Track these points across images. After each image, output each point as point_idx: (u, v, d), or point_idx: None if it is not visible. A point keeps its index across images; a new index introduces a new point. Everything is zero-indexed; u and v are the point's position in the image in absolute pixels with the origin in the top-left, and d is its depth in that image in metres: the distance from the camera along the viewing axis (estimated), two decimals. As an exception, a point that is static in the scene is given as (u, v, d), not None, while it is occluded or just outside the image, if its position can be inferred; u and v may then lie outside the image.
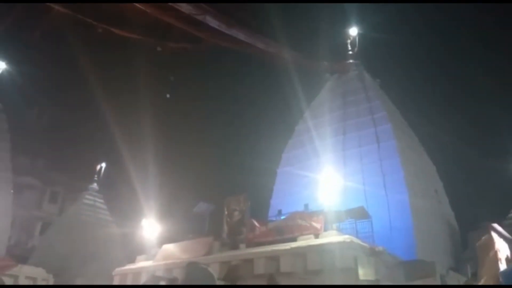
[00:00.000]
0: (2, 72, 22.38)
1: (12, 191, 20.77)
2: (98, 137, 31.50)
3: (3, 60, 22.31)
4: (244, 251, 11.70)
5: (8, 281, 14.59)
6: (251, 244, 11.96)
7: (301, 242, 10.58)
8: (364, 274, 9.51)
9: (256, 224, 12.60)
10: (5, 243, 19.68)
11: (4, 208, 19.65)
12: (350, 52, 21.67)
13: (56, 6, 16.42)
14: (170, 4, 16.28)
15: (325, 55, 21.72)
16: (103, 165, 26.34)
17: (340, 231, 11.13)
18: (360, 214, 13.03)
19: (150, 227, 15.27)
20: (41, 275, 16.68)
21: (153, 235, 15.17)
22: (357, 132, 17.70)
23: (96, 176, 26.03)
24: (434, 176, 18.52)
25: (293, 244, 10.60)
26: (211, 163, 33.13)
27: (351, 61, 21.39)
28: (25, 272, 15.97)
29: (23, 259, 19.12)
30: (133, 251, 16.91)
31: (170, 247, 13.92)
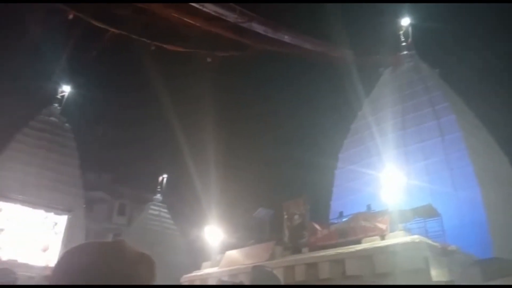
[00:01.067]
0: (68, 95, 24.17)
1: (84, 205, 22.26)
2: (159, 150, 32.96)
3: (67, 84, 24.10)
4: (308, 255, 11.54)
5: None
6: (314, 247, 11.78)
7: (367, 244, 10.22)
8: (437, 275, 8.99)
9: (318, 227, 12.40)
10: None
11: (79, 222, 21.10)
12: (404, 43, 20.74)
13: (111, 28, 17.44)
14: (217, 15, 16.63)
15: (377, 49, 20.99)
16: (165, 176, 27.44)
17: (408, 231, 10.61)
18: (428, 212, 12.32)
19: (212, 234, 15.59)
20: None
21: (216, 241, 15.48)
22: (418, 126, 16.82)
23: (159, 187, 27.20)
24: (507, 168, 17.10)
25: (359, 247, 10.27)
26: (268, 168, 33.28)
27: (405, 52, 20.46)
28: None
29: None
30: (197, 257, 17.38)
31: (233, 253, 14.11)
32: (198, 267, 15.69)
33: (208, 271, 14.46)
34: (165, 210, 26.53)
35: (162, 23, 17.41)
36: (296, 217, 13.09)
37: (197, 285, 14.16)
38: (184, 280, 15.15)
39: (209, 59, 20.26)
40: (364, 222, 11.00)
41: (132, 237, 24.26)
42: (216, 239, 15.50)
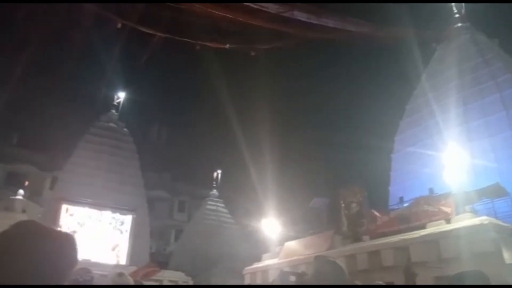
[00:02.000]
0: (124, 101, 25.37)
1: (147, 204, 23.36)
2: (214, 146, 33.64)
3: (122, 90, 25.29)
4: (369, 243, 11.27)
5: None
6: (375, 235, 11.47)
7: (432, 229, 9.77)
8: (509, 257, 8.42)
9: (377, 214, 12.05)
10: (147, 251, 22.19)
11: (143, 221, 22.18)
12: (457, 15, 19.40)
13: (157, 33, 18.01)
14: (257, 7, 16.57)
15: (427, 23, 19.82)
16: (219, 172, 28.06)
17: (475, 213, 10.00)
18: (496, 191, 11.50)
19: (270, 226, 15.70)
20: (181, 278, 18.38)
21: (274, 233, 15.57)
22: (479, 100, 15.72)
23: (214, 182, 27.87)
24: None
25: (423, 232, 9.85)
26: (322, 157, 32.80)
27: (459, 25, 19.14)
28: (168, 276, 17.77)
29: (164, 264, 21.34)
30: (256, 249, 17.61)
31: (292, 244, 14.12)
32: (257, 259, 15.89)
33: (269, 263, 14.60)
34: (222, 205, 27.16)
35: (203, 22, 17.69)
36: (353, 205, 12.82)
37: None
38: (246, 272, 15.43)
39: (252, 53, 20.29)
40: (427, 206, 10.52)
41: (192, 232, 25.14)
42: (274, 230, 15.60)
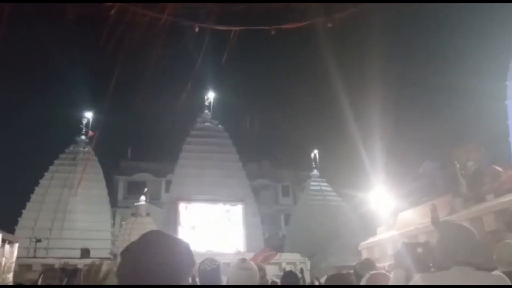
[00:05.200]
0: (213, 101, 26.59)
1: (252, 194, 24.34)
2: (308, 127, 33.45)
3: (211, 90, 26.49)
4: (495, 202, 10.21)
5: (273, 269, 16.84)
6: (500, 192, 10.34)
7: None
8: None
9: (500, 169, 10.84)
10: (261, 237, 23.16)
11: (251, 209, 23.19)
12: None
13: (233, 28, 18.36)
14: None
15: None
16: (316, 151, 27.89)
17: None
18: None
19: (379, 198, 15.18)
20: (298, 259, 18.82)
21: (384, 205, 15.02)
22: None
23: (313, 163, 27.81)
24: None
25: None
26: (428, 115, 30.37)
27: None
28: (285, 259, 18.32)
29: (279, 248, 22.07)
30: (369, 223, 17.17)
31: (407, 214, 13.47)
32: (371, 233, 15.50)
33: (385, 236, 14.14)
34: (325, 184, 27.01)
35: (273, 6, 17.51)
36: (469, 164, 11.70)
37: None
38: (362, 247, 15.17)
39: (329, 25, 19.50)
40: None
41: (300, 215, 25.49)
42: (384, 202, 15.05)
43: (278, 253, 17.94)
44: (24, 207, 22.19)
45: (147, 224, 19.92)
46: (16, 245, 13.81)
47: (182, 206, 22.58)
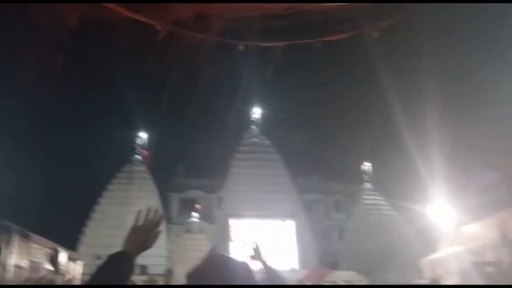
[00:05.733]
0: (260, 116, 26.77)
1: (303, 208, 23.94)
2: (357, 140, 32.51)
3: (257, 106, 26.72)
4: None
5: None
6: None
7: None
8: None
9: None
10: (314, 253, 22.60)
11: (303, 224, 22.77)
12: None
13: (275, 43, 18.42)
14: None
15: None
16: (368, 164, 27.04)
17: None
18: None
19: (439, 210, 14.32)
20: (355, 278, 18.09)
21: (445, 218, 14.13)
22: None
23: (365, 176, 26.95)
24: None
25: None
26: (489, 125, 28.32)
27: None
28: (341, 277, 17.67)
29: (332, 265, 21.38)
30: (428, 238, 16.20)
31: (471, 228, 12.54)
32: (432, 249, 14.59)
33: (448, 252, 13.24)
34: (379, 198, 25.99)
35: (317, 18, 17.32)
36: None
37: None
38: (423, 264, 14.31)
39: (375, 34, 18.93)
40: None
41: (355, 230, 24.64)
42: (444, 215, 14.17)
43: (333, 271, 17.40)
44: (86, 225, 23.40)
45: (200, 241, 20.19)
46: (80, 262, 14.52)
47: (233, 223, 22.69)
